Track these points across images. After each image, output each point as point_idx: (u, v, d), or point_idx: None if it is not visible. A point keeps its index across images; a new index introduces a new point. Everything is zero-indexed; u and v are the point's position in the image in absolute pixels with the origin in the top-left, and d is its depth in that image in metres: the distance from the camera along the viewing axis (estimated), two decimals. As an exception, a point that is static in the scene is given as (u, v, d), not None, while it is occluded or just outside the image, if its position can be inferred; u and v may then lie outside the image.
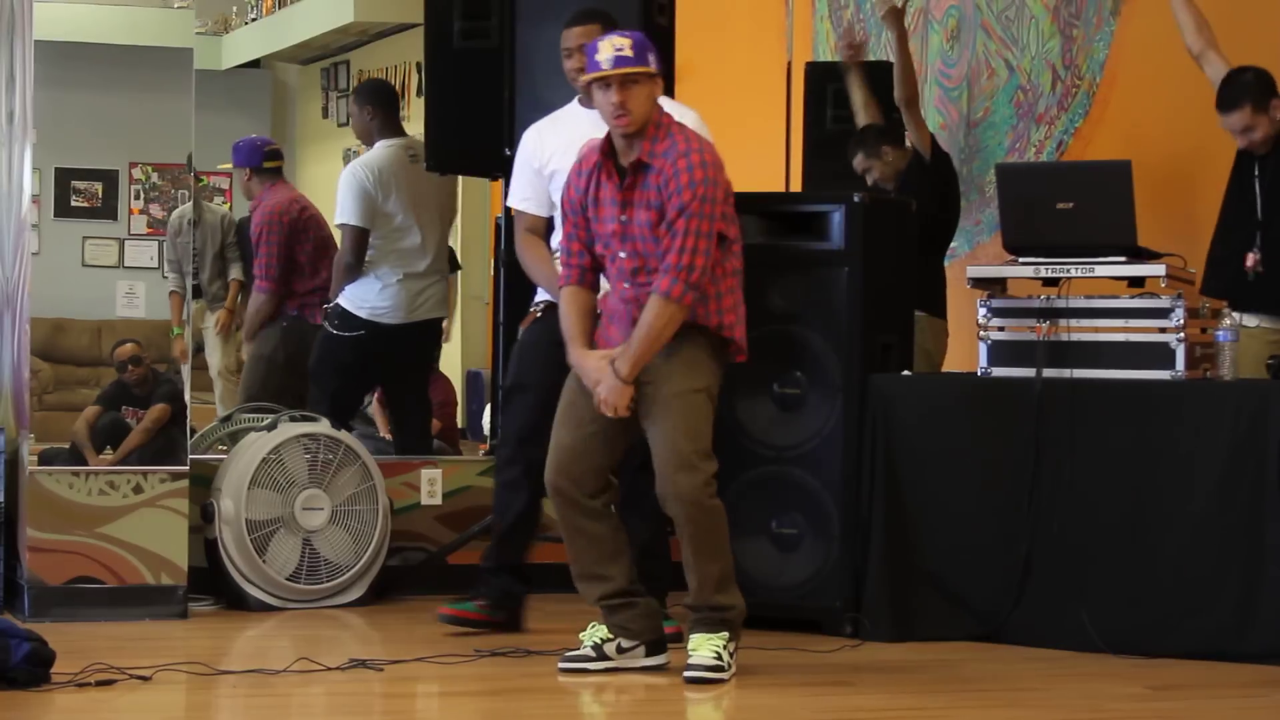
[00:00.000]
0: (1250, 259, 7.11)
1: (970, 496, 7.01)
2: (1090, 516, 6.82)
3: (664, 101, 6.39)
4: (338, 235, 8.64)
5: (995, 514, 6.96)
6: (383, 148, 8.64)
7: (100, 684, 5.89)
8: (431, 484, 8.18)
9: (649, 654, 6.30)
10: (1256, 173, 7.14)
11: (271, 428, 7.72)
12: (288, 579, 7.59)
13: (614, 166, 6.17)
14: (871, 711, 5.90)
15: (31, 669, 5.84)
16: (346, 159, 16.73)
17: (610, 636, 6.27)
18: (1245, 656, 6.52)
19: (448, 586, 7.88)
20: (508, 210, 8.74)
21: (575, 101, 6.92)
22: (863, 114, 8.67)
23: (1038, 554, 6.87)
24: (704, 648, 6.13)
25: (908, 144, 8.51)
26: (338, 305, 8.45)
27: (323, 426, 7.82)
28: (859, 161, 8.44)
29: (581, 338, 6.18)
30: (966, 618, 7.00)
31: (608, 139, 6.19)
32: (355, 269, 8.38)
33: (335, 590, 7.67)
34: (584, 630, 6.30)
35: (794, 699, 6.10)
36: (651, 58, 6.12)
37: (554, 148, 6.80)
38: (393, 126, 8.72)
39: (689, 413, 6.13)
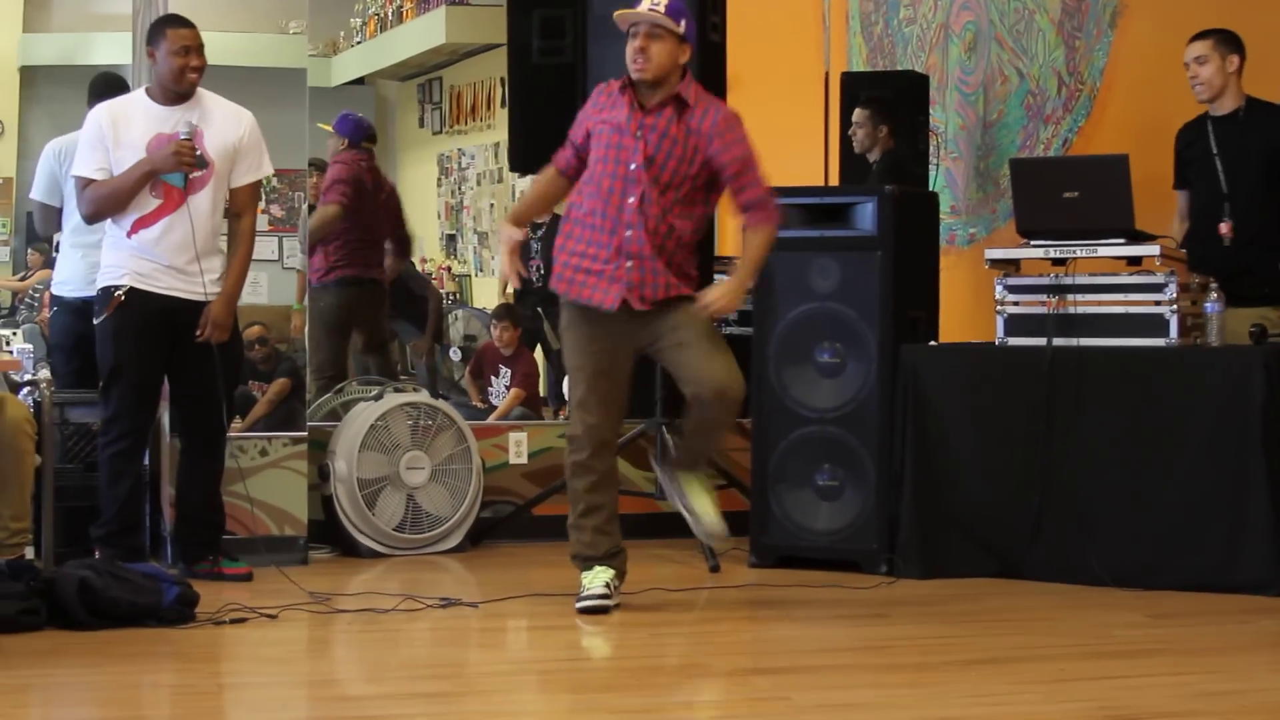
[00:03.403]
0: None
1: (990, 450, 7.00)
2: (1096, 467, 6.81)
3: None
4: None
5: (1012, 465, 6.95)
6: None
7: (234, 622, 5.95)
8: (518, 445, 8.21)
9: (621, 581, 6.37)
10: None
11: (378, 398, 7.76)
12: (394, 530, 7.63)
13: (634, 100, 6.13)
14: (905, 640, 5.90)
15: (180, 609, 5.91)
16: (440, 163, 16.81)
17: (613, 577, 6.29)
18: (1232, 588, 6.52)
19: (533, 534, 7.94)
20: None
21: (142, 91, 6.88)
22: None
23: (1050, 500, 6.86)
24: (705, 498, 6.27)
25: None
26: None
27: (423, 396, 7.86)
28: None
29: (526, 214, 6.46)
30: (988, 557, 7.00)
31: (630, 80, 6.16)
32: None
33: (436, 539, 7.70)
34: (586, 574, 6.29)
35: (837, 629, 6.12)
36: (683, 21, 6.05)
37: (127, 137, 6.72)
38: None
39: (721, 342, 6.19)
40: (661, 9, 6.05)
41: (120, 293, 6.69)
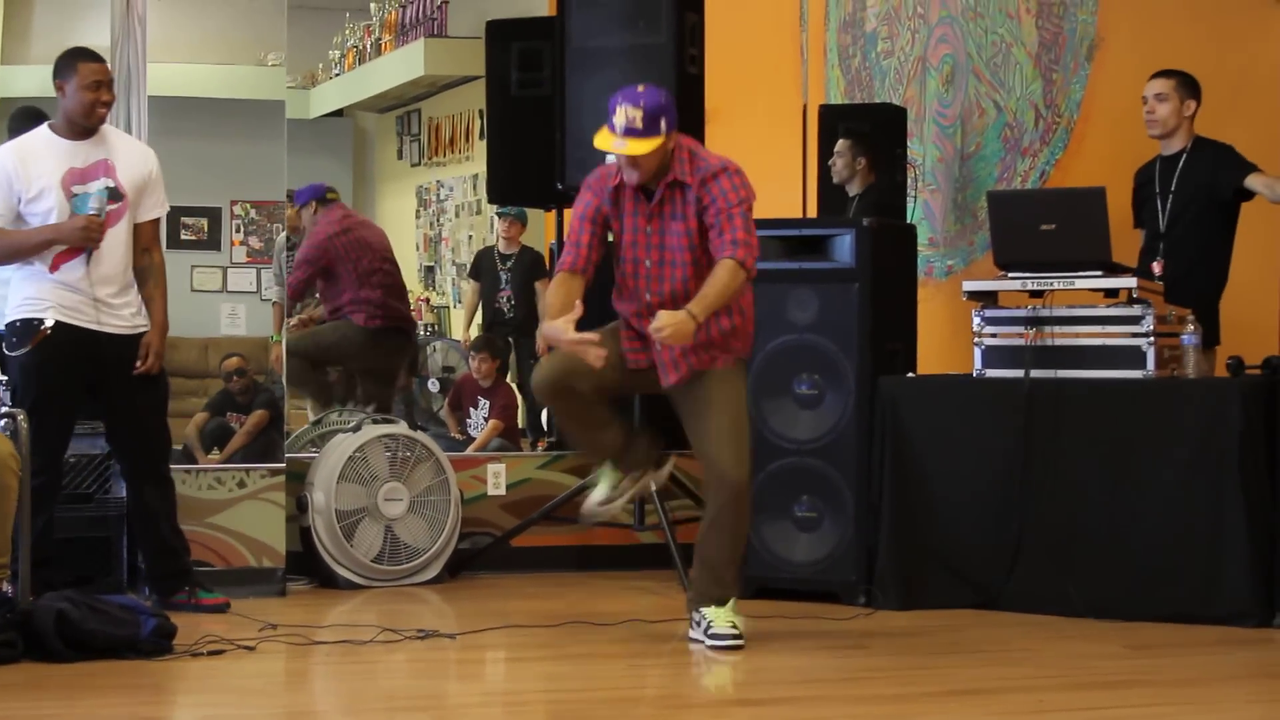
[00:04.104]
0: None
1: (968, 482, 7.01)
2: (1074, 499, 6.82)
3: None
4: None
5: (990, 497, 6.95)
6: None
7: (212, 653, 5.93)
8: (496, 477, 8.21)
9: (657, 467, 6.33)
10: None
11: (356, 429, 7.76)
12: (372, 561, 7.62)
13: (638, 189, 6.10)
14: (883, 671, 5.90)
15: (157, 641, 5.89)
16: (419, 195, 16.81)
17: (618, 481, 6.27)
18: (1211, 619, 6.52)
19: (512, 565, 7.94)
20: (560, 237, 8.82)
21: (46, 127, 6.73)
22: None
23: (1028, 532, 6.86)
24: (721, 619, 6.12)
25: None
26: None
27: (401, 428, 7.86)
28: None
29: (560, 312, 5.92)
30: (966, 588, 7.00)
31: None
32: None
33: (414, 570, 7.69)
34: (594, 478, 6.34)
35: (815, 660, 6.11)
36: (662, 122, 5.94)
37: (40, 174, 6.59)
38: None
39: (740, 418, 6.12)
40: (639, 123, 5.94)
41: (47, 327, 6.60)
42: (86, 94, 6.62)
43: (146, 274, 6.80)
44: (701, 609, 6.18)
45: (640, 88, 6.03)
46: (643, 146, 5.95)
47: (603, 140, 6.02)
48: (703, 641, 6.12)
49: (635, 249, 6.12)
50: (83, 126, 6.68)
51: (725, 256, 5.93)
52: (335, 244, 9.45)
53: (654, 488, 6.38)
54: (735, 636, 6.09)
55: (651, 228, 6.09)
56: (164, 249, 6.90)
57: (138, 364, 6.68)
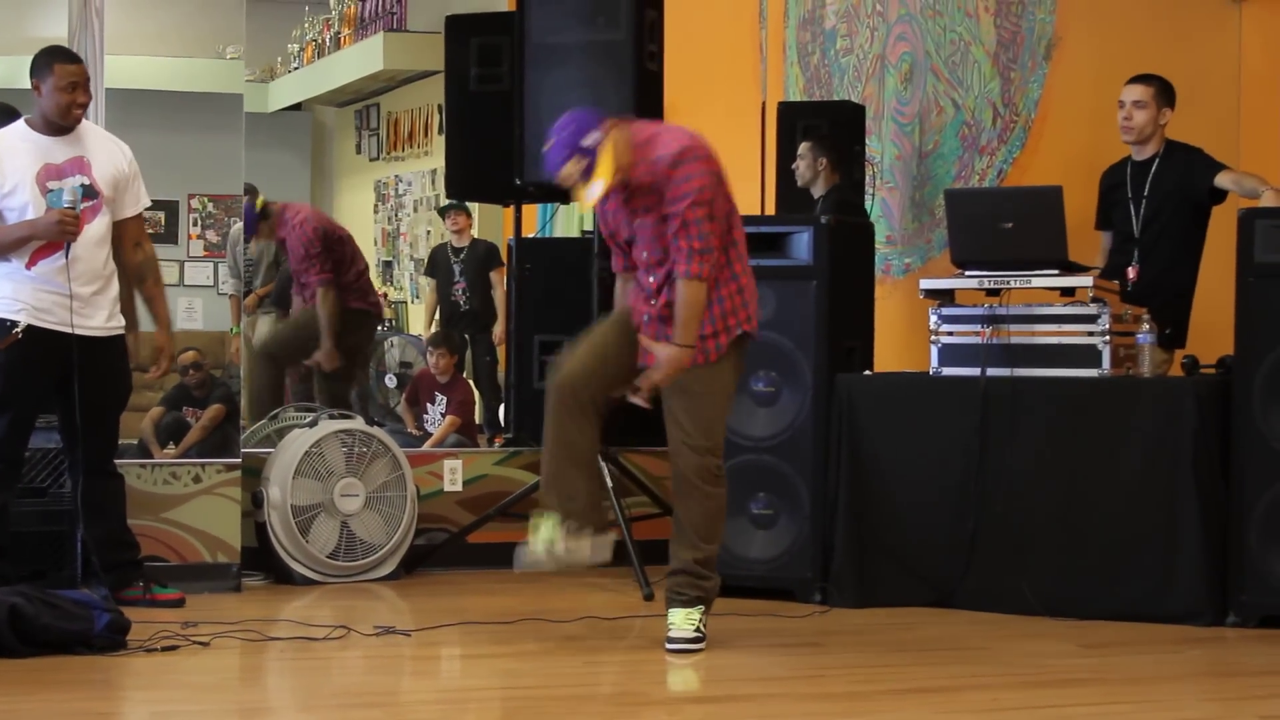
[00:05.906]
0: None
1: (924, 480, 7.02)
2: (1029, 497, 6.84)
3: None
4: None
5: (946, 495, 6.97)
6: None
7: (166, 649, 5.91)
8: (453, 473, 8.20)
9: (598, 532, 6.07)
10: None
11: (313, 424, 7.74)
12: (328, 557, 7.60)
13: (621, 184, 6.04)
14: (839, 669, 5.90)
15: (111, 636, 5.87)
16: (377, 190, 16.78)
17: (556, 525, 5.99)
18: (1164, 618, 6.55)
19: (467, 561, 7.93)
20: (519, 232, 8.82)
21: (23, 122, 6.70)
22: None
23: (983, 530, 6.88)
24: (682, 622, 6.08)
25: None
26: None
27: (358, 424, 7.84)
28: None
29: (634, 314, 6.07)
30: (922, 586, 7.01)
31: None
32: None
33: (370, 566, 7.68)
34: (531, 524, 6.09)
35: (771, 658, 6.12)
36: (582, 140, 5.89)
37: (14, 170, 6.55)
38: None
39: (703, 404, 6.03)
40: (569, 164, 5.90)
41: (17, 331, 6.53)
42: (62, 95, 6.59)
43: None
44: (669, 609, 6.15)
45: (547, 145, 5.99)
46: (595, 174, 5.90)
47: (581, 201, 6.05)
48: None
49: (636, 240, 6.08)
50: (58, 125, 6.65)
51: (679, 275, 5.89)
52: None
53: (588, 558, 6.07)
54: (689, 640, 6.03)
55: (636, 221, 6.05)
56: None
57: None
